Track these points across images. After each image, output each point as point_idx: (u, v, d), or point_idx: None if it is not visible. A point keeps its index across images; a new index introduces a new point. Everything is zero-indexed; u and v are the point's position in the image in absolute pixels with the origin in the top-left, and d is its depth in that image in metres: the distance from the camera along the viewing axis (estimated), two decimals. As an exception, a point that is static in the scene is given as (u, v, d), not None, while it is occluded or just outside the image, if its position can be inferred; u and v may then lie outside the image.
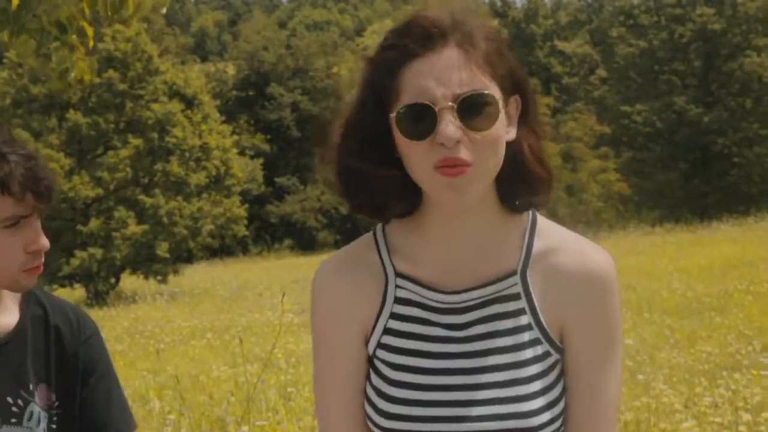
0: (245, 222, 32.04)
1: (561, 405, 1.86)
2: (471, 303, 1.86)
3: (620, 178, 48.55)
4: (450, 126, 1.69)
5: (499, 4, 69.27)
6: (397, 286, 1.89)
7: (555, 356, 1.86)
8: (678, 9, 51.04)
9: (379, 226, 1.95)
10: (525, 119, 1.83)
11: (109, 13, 4.08)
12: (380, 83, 1.77)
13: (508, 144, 1.79)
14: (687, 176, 49.64)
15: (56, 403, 2.50)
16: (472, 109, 1.70)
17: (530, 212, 1.92)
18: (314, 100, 63.12)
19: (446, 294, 1.86)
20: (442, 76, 1.71)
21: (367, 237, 1.96)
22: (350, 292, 1.91)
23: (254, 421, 6.40)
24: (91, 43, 4.52)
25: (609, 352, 1.88)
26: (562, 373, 1.88)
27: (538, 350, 1.84)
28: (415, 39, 1.74)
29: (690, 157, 49.78)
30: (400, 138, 1.75)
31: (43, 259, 2.46)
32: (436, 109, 1.70)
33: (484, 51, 1.75)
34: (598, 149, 50.41)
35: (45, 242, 2.43)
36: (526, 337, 1.84)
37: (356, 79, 1.87)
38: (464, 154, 1.70)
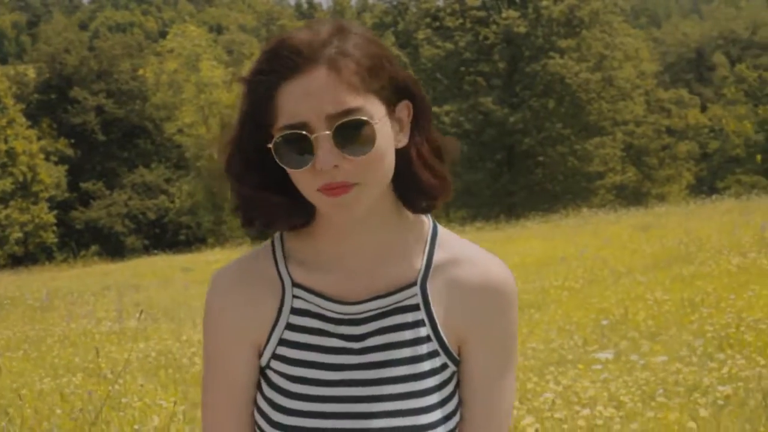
0: (54, 229, 31.24)
1: (456, 418, 1.85)
2: (369, 314, 1.82)
3: (430, 178, 49.25)
4: (327, 155, 1.65)
5: (305, 6, 69.44)
6: (294, 296, 1.84)
7: (452, 368, 1.85)
8: (482, 11, 52.13)
9: (276, 235, 1.90)
10: (417, 124, 1.80)
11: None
12: (256, 106, 1.72)
13: (401, 150, 1.77)
14: (494, 175, 50.78)
15: None
16: (348, 134, 1.66)
17: (431, 223, 1.90)
18: (120, 103, 62.07)
19: (344, 305, 1.82)
20: (313, 99, 1.66)
21: (264, 246, 1.90)
22: (244, 305, 1.85)
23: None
24: None
25: (506, 364, 1.88)
26: (458, 386, 1.87)
27: (436, 362, 1.82)
28: (284, 61, 1.68)
29: (496, 156, 50.98)
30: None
31: None
32: (312, 138, 1.66)
33: (357, 68, 1.69)
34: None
35: None
36: (424, 349, 1.82)
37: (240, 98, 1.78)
38: (346, 176, 1.67)
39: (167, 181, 60.27)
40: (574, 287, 14.69)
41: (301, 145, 1.67)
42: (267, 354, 1.84)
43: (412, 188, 1.81)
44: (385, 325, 1.82)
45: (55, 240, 32.77)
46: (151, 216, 58.29)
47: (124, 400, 7.93)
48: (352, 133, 1.66)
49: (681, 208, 33.43)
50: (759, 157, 60.55)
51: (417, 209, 1.85)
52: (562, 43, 50.34)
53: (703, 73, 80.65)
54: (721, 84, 73.02)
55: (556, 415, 6.25)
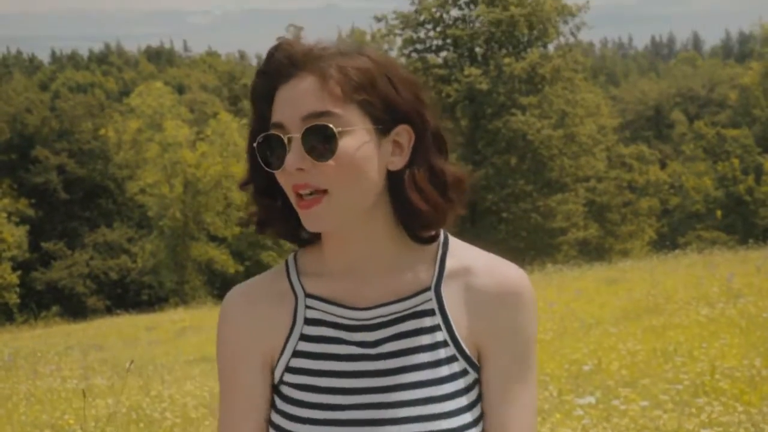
0: (17, 290, 30.91)
1: (480, 425, 1.83)
2: (383, 319, 1.82)
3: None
4: (293, 156, 1.70)
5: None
6: (307, 307, 1.84)
7: (473, 374, 1.83)
8: (444, 69, 52.35)
9: (291, 254, 1.91)
10: (419, 150, 1.82)
11: None
12: (257, 107, 1.79)
13: (397, 173, 1.78)
14: (457, 232, 50.59)
15: None
16: (316, 139, 1.70)
17: (442, 234, 1.91)
18: (81, 163, 61.87)
19: (358, 310, 1.82)
20: (292, 102, 1.71)
21: (279, 265, 1.92)
22: (256, 321, 1.85)
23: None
24: None
25: (524, 370, 1.86)
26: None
27: (455, 367, 1.82)
28: (279, 66, 1.74)
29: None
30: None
31: None
32: (285, 138, 1.70)
33: (343, 79, 1.73)
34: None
35: None
36: (442, 353, 1.82)
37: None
38: (310, 179, 1.71)
39: (129, 240, 59.92)
40: (544, 339, 14.64)
41: (277, 145, 1.71)
42: (280, 368, 1.84)
43: (404, 211, 1.81)
44: (401, 330, 1.82)
45: (18, 301, 32.39)
46: (113, 276, 57.79)
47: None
48: (319, 138, 1.69)
49: (645, 262, 33.48)
50: (719, 212, 61.17)
51: (416, 238, 1.86)
52: (524, 100, 50.50)
53: (662, 130, 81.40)
54: (680, 141, 73.70)
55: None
